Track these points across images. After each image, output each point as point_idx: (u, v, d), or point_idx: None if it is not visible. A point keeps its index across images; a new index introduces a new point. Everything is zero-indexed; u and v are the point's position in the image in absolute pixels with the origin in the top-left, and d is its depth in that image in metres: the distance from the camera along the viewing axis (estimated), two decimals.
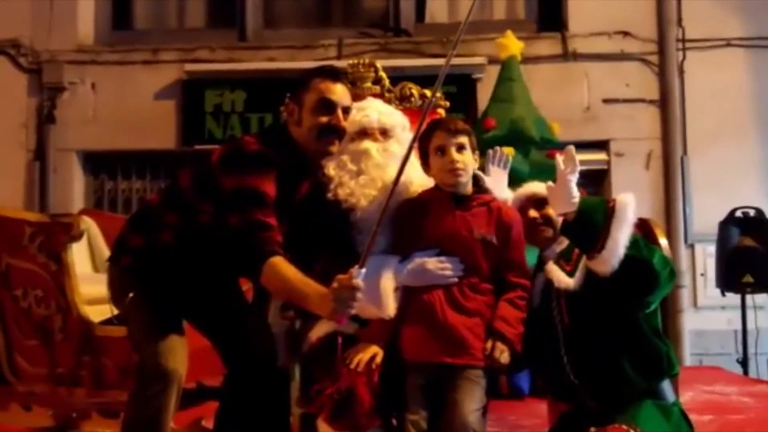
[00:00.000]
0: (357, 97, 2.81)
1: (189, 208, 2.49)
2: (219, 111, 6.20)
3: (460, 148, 2.47)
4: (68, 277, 3.11)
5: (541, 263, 2.53)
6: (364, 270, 2.13)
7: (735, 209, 5.38)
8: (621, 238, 2.27)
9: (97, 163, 6.43)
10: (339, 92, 2.52)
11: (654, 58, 6.18)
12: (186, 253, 2.48)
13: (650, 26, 6.20)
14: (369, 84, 3.19)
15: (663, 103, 6.14)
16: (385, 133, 2.64)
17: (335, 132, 2.51)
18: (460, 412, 2.29)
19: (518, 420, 3.75)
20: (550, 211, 2.50)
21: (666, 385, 2.42)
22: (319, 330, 2.53)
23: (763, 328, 5.61)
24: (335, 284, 2.13)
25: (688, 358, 5.91)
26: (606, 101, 6.16)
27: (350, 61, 3.28)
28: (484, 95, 5.63)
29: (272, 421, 2.41)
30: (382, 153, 2.60)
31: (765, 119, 6.11)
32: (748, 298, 5.41)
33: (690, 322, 5.96)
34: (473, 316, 2.39)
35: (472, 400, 2.31)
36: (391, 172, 2.42)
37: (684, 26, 6.16)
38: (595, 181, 6.10)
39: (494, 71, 5.40)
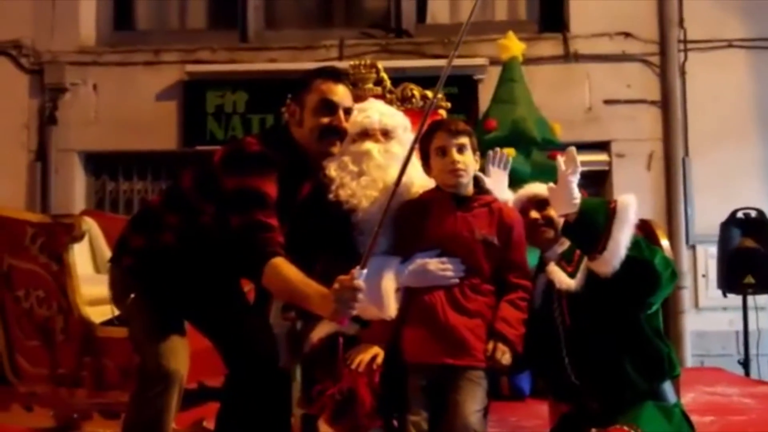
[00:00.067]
0: (358, 98, 2.81)
1: (190, 209, 2.49)
2: (220, 112, 6.20)
3: (461, 148, 2.47)
4: (70, 278, 3.11)
5: (542, 264, 2.53)
6: (365, 271, 2.13)
7: (736, 210, 5.39)
8: (622, 239, 2.27)
9: (98, 163, 6.43)
10: (340, 93, 2.52)
11: (655, 59, 6.18)
12: (187, 253, 2.48)
13: (652, 27, 6.19)
14: (370, 85, 3.19)
15: (664, 104, 6.14)
16: (386, 134, 2.64)
17: (336, 133, 2.52)
18: (461, 413, 2.29)
19: (519, 421, 3.75)
20: (552, 212, 2.50)
21: (667, 386, 2.43)
22: (321, 331, 2.53)
23: (764, 329, 5.61)
24: (336, 285, 2.13)
25: (690, 359, 5.90)
26: (607, 102, 6.16)
27: (351, 62, 3.28)
28: (485, 96, 5.63)
29: (273, 422, 2.41)
30: (384, 154, 2.60)
31: (766, 120, 6.11)
32: (750, 299, 5.41)
33: (691, 323, 5.95)
34: (474, 317, 2.39)
35: (473, 401, 2.31)
36: (393, 173, 2.42)
37: (685, 27, 6.16)
38: (597, 182, 6.10)
39: (495, 72, 5.40)
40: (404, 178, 2.29)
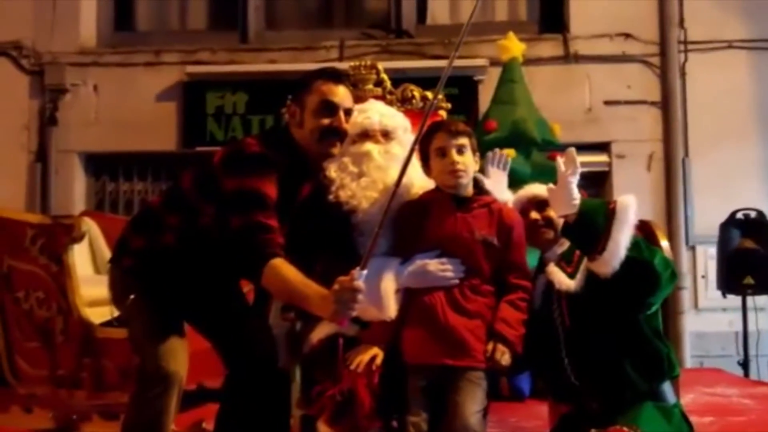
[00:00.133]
0: (358, 98, 2.81)
1: (190, 209, 2.49)
2: (220, 113, 6.20)
3: (461, 149, 2.47)
4: (69, 279, 3.11)
5: (542, 265, 2.54)
6: (365, 272, 2.13)
7: (736, 211, 5.38)
8: (622, 239, 2.27)
9: (98, 164, 6.43)
10: (341, 94, 2.53)
11: (655, 60, 6.18)
12: (187, 254, 2.48)
13: (652, 28, 6.19)
14: (370, 86, 3.19)
15: (664, 104, 6.14)
16: (386, 135, 2.64)
17: (337, 134, 2.52)
18: (461, 414, 2.29)
19: (519, 422, 3.75)
20: (551, 213, 2.50)
21: (667, 387, 2.43)
22: (320, 332, 2.53)
23: (764, 330, 5.61)
24: (336, 286, 2.13)
25: (689, 360, 5.90)
26: (607, 103, 6.16)
27: (352, 63, 3.28)
28: (485, 97, 5.62)
29: (273, 423, 2.41)
30: (384, 155, 2.59)
31: (766, 121, 6.10)
32: (749, 299, 5.40)
33: (691, 323, 5.95)
34: (474, 318, 2.39)
35: (473, 402, 2.31)
36: (393, 174, 2.42)
37: (686, 28, 6.15)
38: (597, 182, 6.10)
39: (496, 73, 5.39)
40: (404, 179, 2.29)
